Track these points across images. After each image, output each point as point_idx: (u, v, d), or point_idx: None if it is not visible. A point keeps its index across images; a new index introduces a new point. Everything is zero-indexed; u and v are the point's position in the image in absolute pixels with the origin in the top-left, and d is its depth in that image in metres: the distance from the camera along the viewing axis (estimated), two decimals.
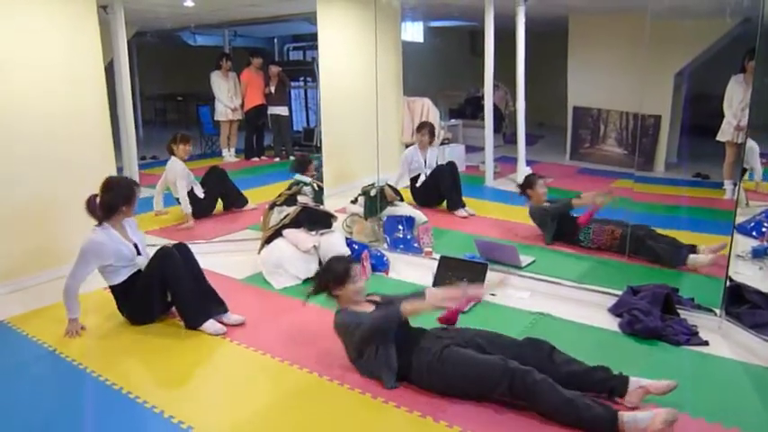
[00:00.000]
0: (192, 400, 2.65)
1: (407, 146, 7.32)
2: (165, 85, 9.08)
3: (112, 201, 3.24)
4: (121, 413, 2.53)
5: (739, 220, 4.78)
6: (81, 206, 4.03)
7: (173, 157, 5.27)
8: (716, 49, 6.72)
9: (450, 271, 3.74)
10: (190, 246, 3.43)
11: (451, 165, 5.70)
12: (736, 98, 5.60)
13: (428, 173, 5.67)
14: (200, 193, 5.35)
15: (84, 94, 4.14)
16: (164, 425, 2.43)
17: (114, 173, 4.32)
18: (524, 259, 4.13)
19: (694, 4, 6.42)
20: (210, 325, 3.21)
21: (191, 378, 2.86)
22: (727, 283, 3.33)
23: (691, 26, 6.85)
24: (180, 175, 5.16)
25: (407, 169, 5.76)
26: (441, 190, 5.54)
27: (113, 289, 3.33)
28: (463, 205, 5.50)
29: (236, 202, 5.59)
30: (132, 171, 6.01)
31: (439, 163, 5.71)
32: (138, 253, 3.36)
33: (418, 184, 5.68)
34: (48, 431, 2.42)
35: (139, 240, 3.42)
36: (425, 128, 5.78)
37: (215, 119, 7.70)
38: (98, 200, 3.24)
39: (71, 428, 2.43)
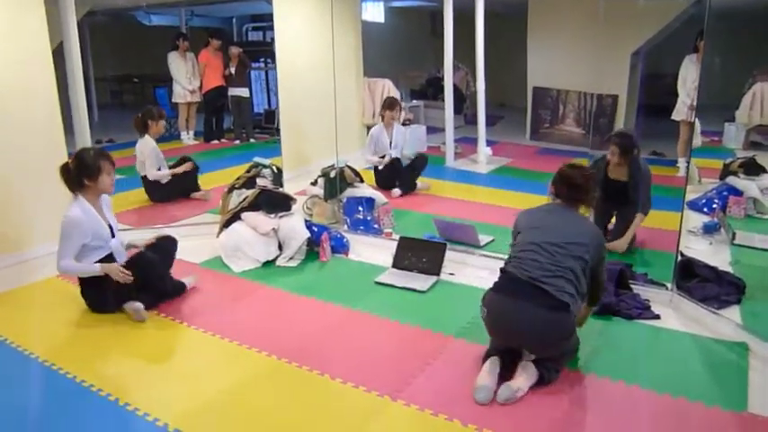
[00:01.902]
0: (148, 386, 2.61)
1: (368, 127, 7.31)
2: (120, 67, 8.80)
3: (76, 173, 3.17)
4: (74, 402, 2.47)
5: (692, 196, 4.93)
6: (31, 192, 3.93)
7: (146, 137, 5.08)
8: (671, 30, 6.83)
9: (410, 251, 3.75)
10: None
11: (424, 159, 5.77)
12: (689, 78, 5.73)
13: (393, 154, 5.65)
14: (165, 178, 5.22)
15: (30, 76, 3.98)
16: (118, 412, 2.39)
17: (65, 157, 4.18)
18: (483, 238, 4.16)
19: None
20: (129, 305, 3.16)
21: (147, 364, 2.81)
22: (678, 258, 3.42)
23: (646, 6, 6.96)
24: (149, 155, 5.02)
25: (373, 150, 5.73)
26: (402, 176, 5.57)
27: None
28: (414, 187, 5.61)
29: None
30: None
31: (401, 143, 5.69)
32: (113, 235, 3.28)
33: (381, 167, 5.66)
34: None
35: (114, 223, 3.35)
36: (389, 104, 5.75)
37: (173, 101, 7.52)
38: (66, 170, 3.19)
39: (20, 419, 2.37)
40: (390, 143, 5.71)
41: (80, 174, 3.17)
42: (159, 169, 5.15)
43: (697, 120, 4.68)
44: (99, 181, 3.20)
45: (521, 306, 2.47)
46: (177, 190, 5.29)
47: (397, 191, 5.49)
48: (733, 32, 5.76)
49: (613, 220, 4.19)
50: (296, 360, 2.74)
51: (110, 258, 3.22)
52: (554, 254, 2.51)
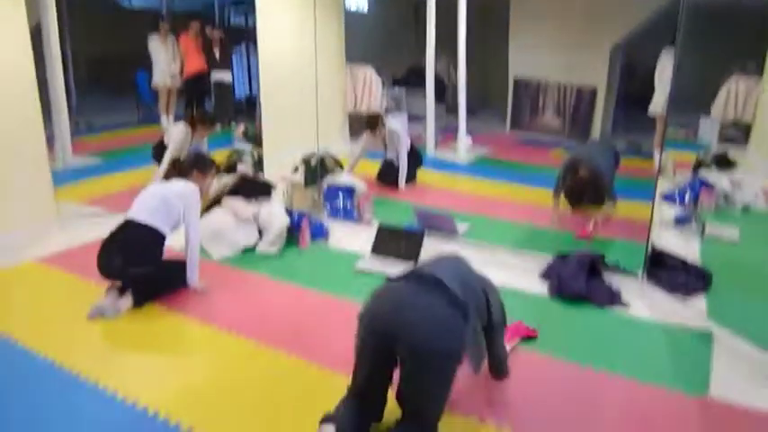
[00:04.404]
0: (127, 370, 2.63)
1: (350, 115, 7.32)
2: (100, 50, 8.70)
3: (193, 161, 3.56)
4: (55, 386, 2.49)
5: (665, 188, 5.04)
6: (3, 174, 3.87)
7: (182, 125, 5.03)
8: (652, 23, 6.93)
9: (388, 239, 3.80)
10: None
11: (417, 151, 5.80)
12: (666, 72, 5.82)
13: (388, 156, 5.67)
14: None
15: (7, 57, 3.93)
16: (97, 395, 2.42)
17: (43, 140, 4.15)
18: (461, 227, 4.23)
19: None
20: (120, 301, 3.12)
21: (125, 348, 2.83)
22: (649, 248, 3.52)
23: (627, 0, 7.03)
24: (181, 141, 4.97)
25: (362, 155, 5.74)
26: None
27: (158, 235, 3.20)
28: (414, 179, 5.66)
29: None
30: (64, 139, 5.80)
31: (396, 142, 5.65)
32: None
33: (382, 164, 5.70)
34: None
35: None
36: (369, 124, 5.68)
37: (153, 85, 7.45)
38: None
39: (4, 404, 2.39)
40: (385, 148, 5.70)
41: (194, 165, 3.51)
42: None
43: None
44: (206, 179, 3.56)
45: (413, 290, 2.09)
46: None
47: (402, 184, 5.50)
48: (711, 28, 5.87)
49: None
50: (276, 345, 2.79)
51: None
52: (464, 278, 2.24)
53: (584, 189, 4.36)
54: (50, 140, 4.88)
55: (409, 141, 5.64)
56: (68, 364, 2.61)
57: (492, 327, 2.30)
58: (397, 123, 5.82)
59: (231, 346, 2.81)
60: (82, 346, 2.82)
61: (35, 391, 2.45)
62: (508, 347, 2.64)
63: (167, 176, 3.46)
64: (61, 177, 5.11)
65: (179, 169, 3.49)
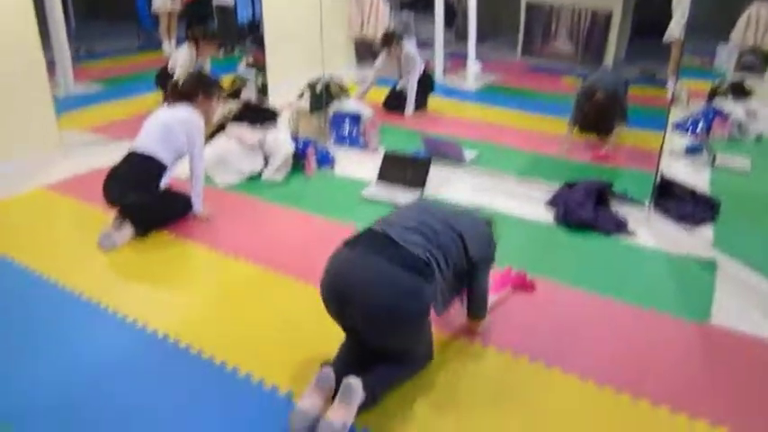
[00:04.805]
0: (135, 294, 2.68)
1: (357, 40, 7.13)
2: None
3: (195, 83, 3.32)
4: (66, 310, 2.54)
5: (678, 118, 4.94)
6: (5, 102, 3.82)
7: (185, 48, 4.93)
8: None
9: (395, 167, 3.77)
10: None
11: (429, 76, 5.66)
12: None
13: (400, 83, 5.53)
14: None
15: None
16: (107, 318, 2.47)
17: (43, 67, 4.06)
18: (468, 154, 4.19)
19: None
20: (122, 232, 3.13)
21: (132, 273, 2.87)
22: (658, 178, 3.48)
23: None
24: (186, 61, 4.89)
25: (375, 78, 5.61)
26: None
27: (159, 166, 3.15)
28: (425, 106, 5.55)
29: None
30: (65, 65, 5.70)
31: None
32: None
33: (390, 92, 5.58)
34: None
35: None
36: (383, 41, 5.49)
37: (153, 10, 7.24)
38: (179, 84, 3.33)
39: (7, 327, 2.45)
40: (399, 73, 5.54)
41: (198, 87, 3.29)
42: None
43: None
44: (212, 102, 3.37)
45: (368, 261, 1.92)
46: None
47: (410, 111, 5.40)
48: None
49: None
50: (283, 270, 2.82)
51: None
52: (429, 225, 2.05)
53: (601, 114, 4.39)
54: (51, 67, 4.80)
55: (423, 67, 5.51)
56: (78, 289, 2.66)
57: (473, 265, 2.14)
58: (413, 47, 5.66)
59: (238, 271, 2.84)
60: (90, 272, 2.85)
61: (46, 314, 2.50)
62: (496, 298, 2.53)
63: (170, 101, 3.32)
64: (64, 104, 5.04)
65: (181, 93, 3.31)
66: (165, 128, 3.16)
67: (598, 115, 4.42)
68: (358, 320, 1.92)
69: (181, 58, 4.81)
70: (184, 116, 3.22)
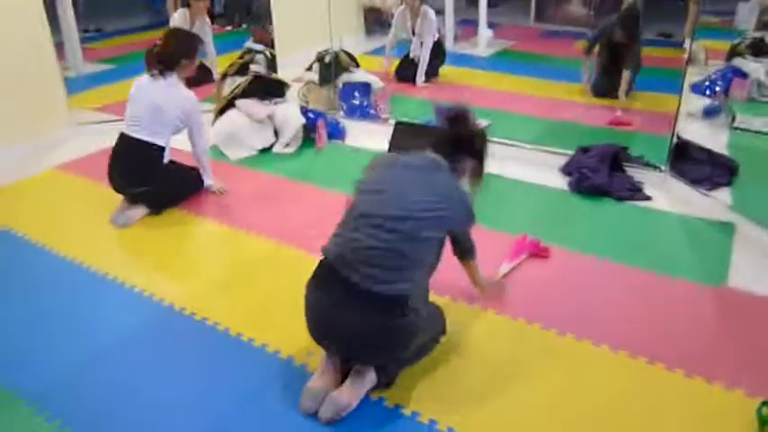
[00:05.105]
0: (151, 269, 2.71)
1: (366, 9, 7.03)
2: None
3: (175, 52, 3.05)
4: (83, 285, 2.58)
5: (695, 79, 4.82)
6: (15, 84, 3.83)
7: (178, 12, 4.89)
8: None
9: (406, 136, 3.74)
10: None
11: (440, 44, 5.56)
12: None
13: (412, 49, 5.44)
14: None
15: None
16: (124, 293, 2.51)
17: (51, 48, 4.07)
18: (480, 123, 4.12)
19: None
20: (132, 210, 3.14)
21: (150, 251, 2.89)
22: (674, 140, 3.41)
23: None
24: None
25: (393, 33, 5.51)
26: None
27: (159, 150, 3.06)
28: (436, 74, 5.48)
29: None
30: (73, 46, 5.68)
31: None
32: None
33: (401, 60, 5.49)
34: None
35: None
36: None
37: None
38: (155, 50, 3.05)
39: (32, 307, 2.49)
40: (413, 31, 5.44)
41: (179, 53, 3.05)
42: None
43: None
44: (192, 62, 3.14)
45: (341, 314, 1.80)
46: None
47: (421, 80, 5.33)
48: None
49: None
50: (296, 244, 2.82)
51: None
52: (393, 234, 1.79)
53: (621, 50, 4.69)
54: (60, 48, 4.79)
55: (437, 36, 5.43)
56: (94, 265, 2.69)
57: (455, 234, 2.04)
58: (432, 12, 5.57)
59: (251, 245, 2.86)
60: (105, 248, 2.89)
61: (64, 290, 2.55)
62: (512, 265, 2.54)
63: (152, 70, 3.06)
64: (75, 84, 5.05)
65: (163, 62, 3.03)
66: (158, 110, 3.00)
67: (616, 55, 4.68)
68: (350, 357, 1.90)
69: (175, 23, 4.80)
70: (176, 97, 3.04)
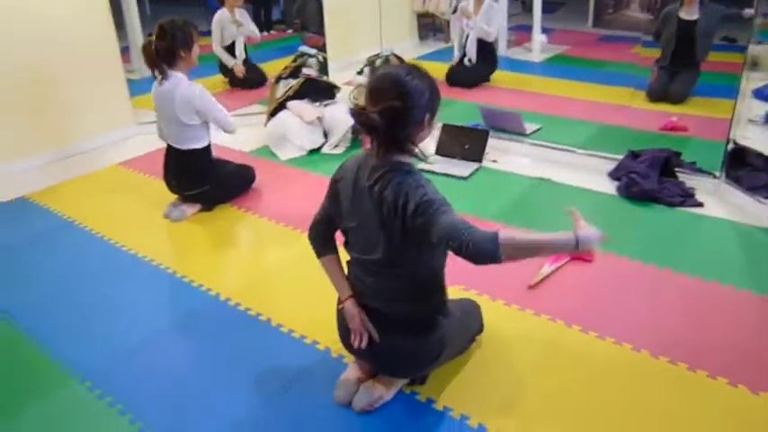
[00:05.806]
0: (202, 262, 2.82)
1: (419, 15, 7.08)
2: None
3: (171, 45, 2.91)
4: (138, 275, 2.72)
5: (759, 85, 4.64)
6: (82, 87, 4.05)
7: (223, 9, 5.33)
8: None
9: (452, 139, 3.76)
10: None
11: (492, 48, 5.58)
12: None
13: (465, 53, 5.47)
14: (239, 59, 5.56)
15: None
16: (174, 282, 2.63)
17: (117, 52, 4.30)
18: (529, 126, 4.11)
19: None
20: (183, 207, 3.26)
21: (201, 245, 3.01)
22: (730, 146, 3.30)
23: None
24: (215, 26, 5.33)
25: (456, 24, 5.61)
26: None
27: (202, 152, 3.14)
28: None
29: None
30: (138, 50, 5.94)
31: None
32: None
33: (455, 63, 5.55)
34: (69, 292, 2.63)
35: None
36: None
37: None
38: (154, 47, 2.91)
39: (88, 288, 2.64)
40: (466, 36, 5.47)
41: (176, 46, 2.91)
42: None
43: None
44: (193, 52, 3.00)
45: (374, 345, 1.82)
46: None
47: (473, 59, 5.39)
48: None
49: None
50: (340, 241, 2.87)
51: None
52: (388, 272, 1.78)
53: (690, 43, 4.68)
54: (125, 52, 5.04)
55: (496, 36, 5.50)
56: (149, 255, 2.83)
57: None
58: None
59: (299, 242, 2.92)
60: (160, 241, 3.03)
61: (120, 279, 2.69)
62: (554, 267, 2.53)
63: (154, 72, 2.97)
64: (139, 87, 5.28)
65: (162, 59, 2.94)
66: (174, 121, 3.01)
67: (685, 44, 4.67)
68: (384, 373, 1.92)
69: (213, 26, 5.22)
70: (180, 98, 2.96)
